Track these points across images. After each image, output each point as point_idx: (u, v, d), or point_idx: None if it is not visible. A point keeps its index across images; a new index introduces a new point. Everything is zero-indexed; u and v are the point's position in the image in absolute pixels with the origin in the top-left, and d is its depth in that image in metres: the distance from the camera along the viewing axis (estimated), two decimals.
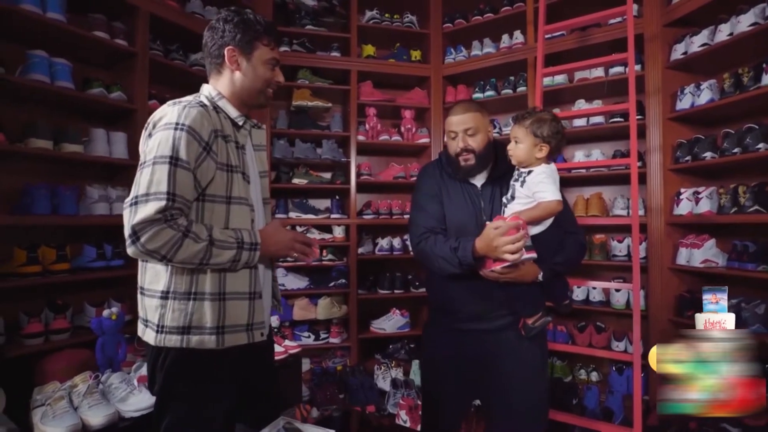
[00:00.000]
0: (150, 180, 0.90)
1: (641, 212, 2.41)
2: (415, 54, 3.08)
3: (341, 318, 2.89)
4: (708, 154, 2.07)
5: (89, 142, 1.95)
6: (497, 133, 2.90)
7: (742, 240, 1.96)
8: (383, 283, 2.96)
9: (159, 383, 0.99)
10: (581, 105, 2.64)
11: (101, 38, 1.95)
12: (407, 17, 3.04)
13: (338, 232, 2.97)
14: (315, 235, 2.94)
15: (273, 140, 2.83)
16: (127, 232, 0.89)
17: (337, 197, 2.97)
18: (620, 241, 2.48)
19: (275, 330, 2.17)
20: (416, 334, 3.02)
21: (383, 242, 3.01)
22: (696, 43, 2.10)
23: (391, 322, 2.95)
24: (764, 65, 1.82)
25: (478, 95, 2.94)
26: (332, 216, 2.92)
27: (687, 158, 2.18)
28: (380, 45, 3.05)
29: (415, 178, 2.96)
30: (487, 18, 2.86)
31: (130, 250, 0.91)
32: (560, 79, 2.64)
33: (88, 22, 1.96)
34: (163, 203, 0.89)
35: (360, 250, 2.96)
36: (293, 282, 2.89)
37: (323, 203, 3.01)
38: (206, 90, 1.08)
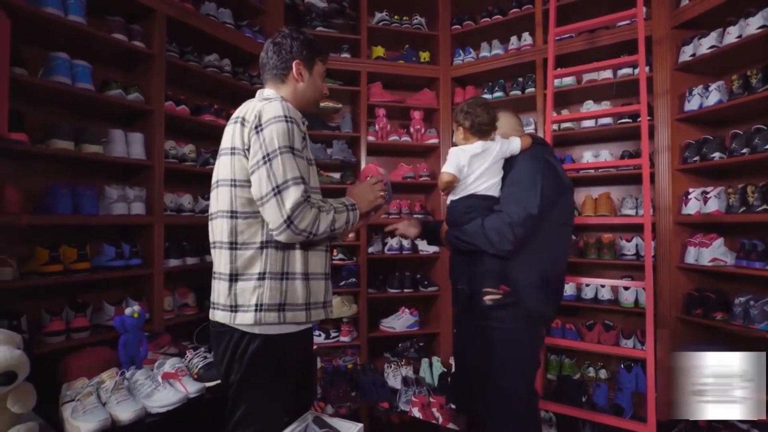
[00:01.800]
0: (284, 169, 1.00)
1: (651, 212, 2.44)
2: (424, 55, 3.11)
3: (351, 317, 2.92)
4: (716, 155, 2.10)
5: (108, 143, 1.97)
6: None
7: (751, 239, 1.99)
8: (393, 282, 2.99)
9: (240, 372, 1.08)
10: (589, 106, 2.67)
11: (120, 40, 1.98)
12: (416, 19, 3.07)
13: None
14: None
15: None
16: (279, 219, 0.99)
17: None
18: (629, 240, 2.51)
19: None
20: (425, 332, 3.05)
21: (393, 242, 3.04)
22: (704, 45, 2.14)
23: (400, 321, 2.98)
24: None
25: (486, 96, 2.97)
26: None
27: (695, 158, 2.21)
28: (390, 46, 3.08)
29: (424, 178, 3.03)
30: (495, 20, 2.89)
31: (284, 236, 1.01)
32: (569, 80, 2.67)
33: (106, 25, 1.98)
34: (302, 186, 1.01)
35: (370, 250, 2.98)
36: None
37: None
38: (271, 94, 1.17)
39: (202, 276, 2.54)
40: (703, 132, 2.28)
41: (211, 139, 2.65)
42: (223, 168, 1.10)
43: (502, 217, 1.31)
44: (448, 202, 1.49)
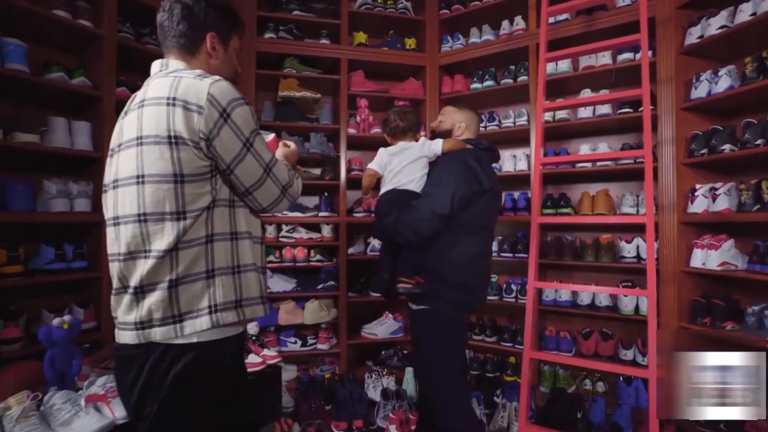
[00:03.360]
0: (263, 149, 0.97)
1: (653, 210, 2.24)
2: (410, 42, 2.90)
3: (330, 322, 2.72)
4: (727, 147, 1.89)
5: (48, 133, 1.78)
6: (496, 125, 2.74)
7: (765, 241, 1.79)
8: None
9: (166, 392, 0.89)
10: (587, 95, 2.46)
11: (62, 18, 1.77)
12: (401, 3, 2.86)
13: (327, 231, 2.79)
14: (302, 234, 2.76)
15: None
16: (276, 194, 1.00)
17: (326, 194, 2.79)
18: (629, 242, 2.30)
19: (253, 337, 2.00)
20: (410, 339, 2.85)
21: (375, 242, 2.83)
22: (713, 25, 1.92)
23: (383, 327, 2.77)
24: None
25: (476, 86, 2.76)
26: (321, 214, 2.75)
27: (703, 151, 2.00)
28: (373, 32, 2.88)
29: None
30: (486, 3, 2.68)
31: (279, 207, 1.03)
32: (564, 66, 2.46)
33: (47, 0, 1.78)
34: (278, 159, 1.03)
35: (350, 251, 2.78)
36: (279, 284, 2.71)
37: (311, 200, 2.84)
38: (182, 67, 0.98)
39: None
40: (712, 122, 2.06)
41: None
42: (147, 163, 0.88)
43: (413, 214, 1.45)
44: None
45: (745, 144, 1.82)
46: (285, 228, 2.77)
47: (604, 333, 2.40)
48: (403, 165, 1.53)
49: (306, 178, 2.74)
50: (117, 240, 0.93)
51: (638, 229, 2.31)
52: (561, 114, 2.47)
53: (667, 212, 2.10)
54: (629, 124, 2.39)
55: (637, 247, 2.28)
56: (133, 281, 0.90)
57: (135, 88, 2.07)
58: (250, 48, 2.60)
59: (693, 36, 2.02)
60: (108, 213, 0.96)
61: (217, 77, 0.93)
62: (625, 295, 2.26)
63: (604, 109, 2.36)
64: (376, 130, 2.81)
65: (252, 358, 1.84)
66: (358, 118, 2.83)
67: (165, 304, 0.88)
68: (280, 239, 2.74)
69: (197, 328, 0.89)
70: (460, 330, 1.58)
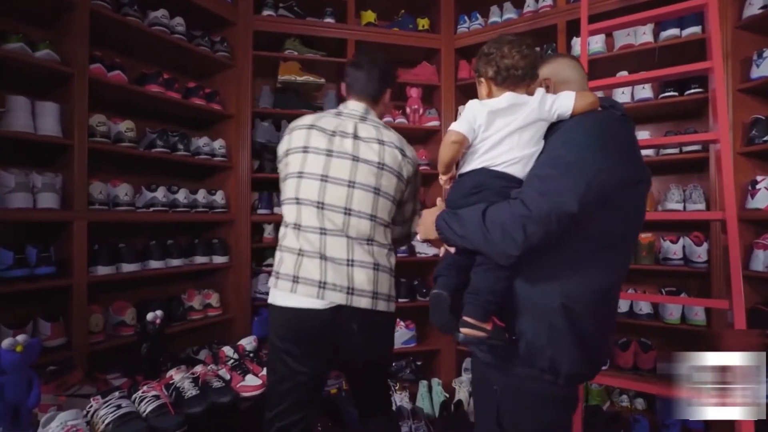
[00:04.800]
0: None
1: (701, 206, 1.99)
2: (423, 23, 2.63)
3: None
4: None
5: (6, 114, 1.50)
6: None
7: None
8: None
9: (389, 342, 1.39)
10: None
11: None
12: None
13: None
14: None
15: (255, 122, 2.39)
16: (412, 231, 1.47)
17: None
18: (674, 242, 2.04)
19: (251, 354, 1.73)
20: (424, 349, 2.59)
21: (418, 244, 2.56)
22: None
23: (395, 336, 2.50)
24: None
25: None
26: None
27: (766, 138, 1.75)
28: (382, 11, 2.61)
29: (423, 168, 2.55)
30: None
31: (409, 242, 1.64)
32: (598, 47, 2.20)
33: None
34: None
35: None
36: None
37: None
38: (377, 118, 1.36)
39: (146, 286, 2.09)
40: None
41: (159, 116, 2.18)
42: (364, 174, 1.22)
43: (514, 207, 0.85)
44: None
45: None
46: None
47: (644, 344, 2.14)
48: (508, 132, 0.93)
49: None
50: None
51: (684, 228, 2.07)
52: None
53: (720, 208, 1.85)
54: (672, 111, 2.14)
55: (684, 247, 2.03)
56: None
57: (114, 66, 1.82)
58: (246, 26, 2.33)
59: (754, 6, 1.77)
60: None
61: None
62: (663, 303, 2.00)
63: (645, 93, 2.11)
64: (388, 119, 2.54)
65: (250, 380, 1.57)
66: None
67: None
68: None
69: None
70: (572, 409, 1.00)
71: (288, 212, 1.24)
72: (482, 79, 0.99)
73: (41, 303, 1.62)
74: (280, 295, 1.20)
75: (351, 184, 1.20)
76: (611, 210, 0.87)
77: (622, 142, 0.90)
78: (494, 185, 0.93)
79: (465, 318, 0.89)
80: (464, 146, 0.98)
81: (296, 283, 1.17)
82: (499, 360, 0.96)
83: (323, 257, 1.17)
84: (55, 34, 1.69)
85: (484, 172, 0.95)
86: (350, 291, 1.17)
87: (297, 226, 1.21)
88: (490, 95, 0.97)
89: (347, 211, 1.19)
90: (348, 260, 1.18)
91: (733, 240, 1.44)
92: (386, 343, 1.35)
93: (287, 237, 1.23)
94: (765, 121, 1.77)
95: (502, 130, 0.93)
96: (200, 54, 2.13)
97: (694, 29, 1.94)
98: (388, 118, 2.55)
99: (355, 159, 1.21)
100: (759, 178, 1.78)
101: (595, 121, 0.91)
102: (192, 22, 2.13)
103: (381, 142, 1.25)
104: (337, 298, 1.16)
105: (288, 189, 1.24)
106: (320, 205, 1.19)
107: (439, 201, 1.07)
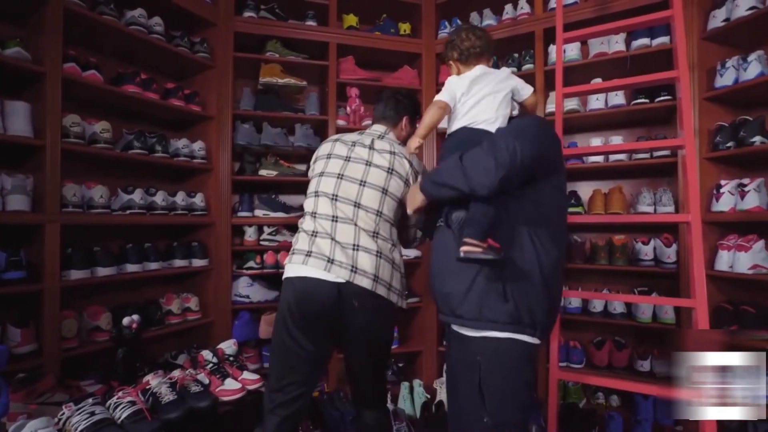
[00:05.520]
0: None
1: (671, 209, 2.07)
2: (405, 27, 2.66)
3: None
4: (757, 139, 1.74)
5: None
6: None
7: None
8: None
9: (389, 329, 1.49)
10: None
11: None
12: None
13: None
14: (286, 237, 2.48)
15: (236, 124, 2.37)
16: (413, 236, 1.59)
17: None
18: (645, 243, 2.12)
19: (231, 358, 1.71)
20: (406, 351, 2.61)
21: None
22: (742, 6, 1.77)
23: None
24: None
25: None
26: None
27: (729, 144, 1.84)
28: (364, 15, 2.63)
29: None
30: None
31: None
32: (573, 54, 2.27)
33: None
34: None
35: None
36: (260, 292, 2.42)
37: (296, 199, 2.56)
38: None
39: (123, 291, 2.05)
40: (737, 113, 1.90)
41: (136, 117, 2.15)
42: (374, 176, 1.40)
43: (484, 146, 1.04)
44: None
45: None
46: (267, 230, 2.48)
47: (618, 342, 2.22)
48: (484, 94, 1.15)
49: (290, 174, 2.46)
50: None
51: (654, 230, 2.15)
52: (570, 105, 2.28)
53: (687, 211, 1.93)
54: (643, 117, 2.23)
55: (655, 249, 2.11)
56: None
57: (88, 65, 1.79)
58: (227, 27, 2.31)
59: (717, 19, 1.86)
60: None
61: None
62: (639, 303, 2.07)
63: (618, 100, 2.19)
64: (368, 122, 2.55)
65: (229, 384, 1.55)
66: (348, 108, 2.57)
67: None
68: (261, 242, 2.45)
69: None
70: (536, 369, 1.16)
71: (308, 203, 1.43)
72: (451, 62, 1.28)
73: (10, 308, 1.57)
74: (293, 267, 1.35)
75: (362, 183, 1.38)
76: (551, 186, 1.11)
77: (557, 140, 1.16)
78: (476, 140, 1.09)
79: (465, 239, 1.02)
80: (446, 112, 1.20)
81: (308, 257, 1.32)
82: (486, 322, 1.06)
83: (333, 240, 1.32)
84: (27, 32, 1.65)
85: (467, 129, 1.17)
86: (354, 269, 1.30)
87: (314, 214, 1.39)
88: (459, 74, 1.24)
89: (357, 205, 1.36)
90: (354, 245, 1.32)
91: (697, 241, 1.50)
92: (386, 328, 1.44)
93: (305, 222, 1.42)
94: (728, 128, 1.86)
95: (479, 93, 1.16)
96: (179, 54, 2.11)
97: (664, 39, 2.02)
98: (368, 121, 2.55)
99: (368, 164, 1.41)
100: (723, 182, 1.87)
101: (541, 120, 1.23)
102: (171, 23, 2.10)
103: (392, 153, 1.44)
104: (343, 274, 1.28)
105: (311, 185, 1.46)
106: (334, 197, 1.37)
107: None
